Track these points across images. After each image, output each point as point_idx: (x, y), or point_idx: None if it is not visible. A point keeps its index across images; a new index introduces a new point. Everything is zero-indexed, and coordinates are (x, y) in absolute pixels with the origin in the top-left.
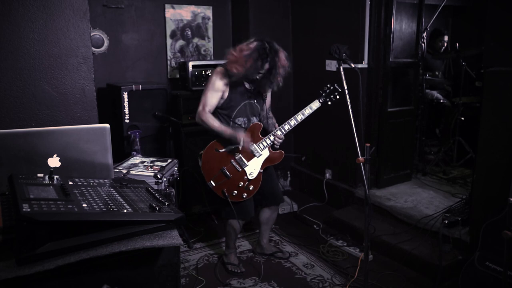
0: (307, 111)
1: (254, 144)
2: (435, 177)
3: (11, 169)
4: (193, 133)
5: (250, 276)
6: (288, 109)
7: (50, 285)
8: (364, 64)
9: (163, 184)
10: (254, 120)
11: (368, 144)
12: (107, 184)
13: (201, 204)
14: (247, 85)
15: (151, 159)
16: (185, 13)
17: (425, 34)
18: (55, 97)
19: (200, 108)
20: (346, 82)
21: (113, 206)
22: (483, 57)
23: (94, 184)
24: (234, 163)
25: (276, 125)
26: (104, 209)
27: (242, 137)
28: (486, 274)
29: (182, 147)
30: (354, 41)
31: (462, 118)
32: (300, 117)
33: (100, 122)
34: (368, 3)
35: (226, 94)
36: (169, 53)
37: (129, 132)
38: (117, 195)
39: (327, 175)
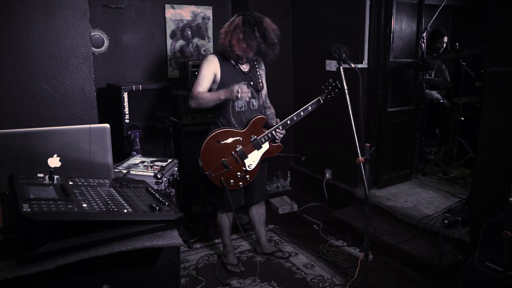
0: (310, 107)
1: (256, 138)
2: (435, 177)
3: (11, 169)
4: (193, 133)
5: (250, 276)
6: (288, 109)
7: (50, 285)
8: (364, 64)
9: (163, 184)
10: (254, 102)
11: (368, 144)
12: (107, 184)
13: (201, 204)
14: (242, 68)
15: (151, 159)
16: (185, 13)
17: (425, 34)
18: (55, 97)
19: (192, 90)
20: (346, 82)
21: (113, 206)
22: (483, 57)
23: (94, 184)
24: (235, 155)
25: (275, 117)
26: (104, 209)
27: (237, 87)
28: (486, 274)
29: (182, 147)
30: (354, 41)
31: (462, 118)
32: (302, 112)
33: (100, 122)
34: (368, 3)
35: (219, 75)
36: (169, 53)
37: (129, 132)
38: (117, 195)
39: (327, 175)
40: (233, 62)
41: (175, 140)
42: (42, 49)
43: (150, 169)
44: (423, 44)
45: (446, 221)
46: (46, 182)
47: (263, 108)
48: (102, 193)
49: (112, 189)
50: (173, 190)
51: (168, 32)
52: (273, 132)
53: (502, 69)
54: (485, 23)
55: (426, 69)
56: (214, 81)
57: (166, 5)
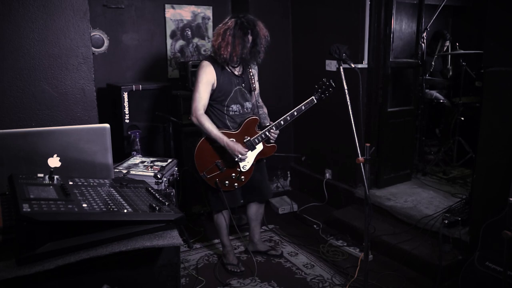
0: (303, 107)
1: (250, 139)
2: (435, 177)
3: (11, 169)
4: (193, 133)
5: (249, 276)
6: (288, 109)
7: (50, 285)
8: (364, 64)
9: (163, 184)
10: (248, 105)
11: (368, 144)
12: (107, 184)
13: (201, 204)
14: (234, 71)
15: (151, 159)
16: (185, 13)
17: (425, 34)
18: (55, 97)
19: (194, 106)
20: (346, 82)
21: (113, 206)
22: (483, 57)
23: (94, 184)
24: (229, 157)
25: (268, 117)
26: (104, 209)
27: (240, 151)
28: (486, 274)
29: (182, 147)
30: (354, 41)
31: (462, 118)
32: (296, 112)
33: (100, 122)
34: (368, 3)
35: (215, 84)
36: (169, 53)
37: (129, 132)
38: (117, 195)
39: (327, 175)
40: (225, 66)
41: (175, 140)
42: (42, 49)
43: (150, 169)
44: (423, 44)
45: (446, 221)
46: (46, 182)
47: (255, 107)
48: (102, 193)
49: (112, 189)
50: (173, 190)
51: (168, 32)
52: (267, 133)
53: (502, 69)
54: (485, 23)
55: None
56: (212, 88)
57: (166, 5)
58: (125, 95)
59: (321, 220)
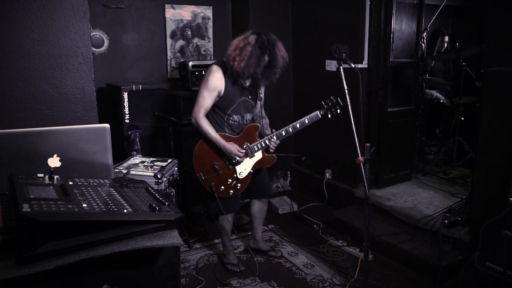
0: (307, 120)
1: (249, 145)
2: (435, 177)
3: (11, 169)
4: (193, 133)
5: (249, 276)
6: (288, 109)
7: (50, 285)
8: (364, 64)
9: (163, 184)
10: (248, 116)
11: (368, 144)
12: (107, 184)
13: (201, 204)
14: (244, 83)
15: (151, 159)
16: (185, 13)
17: (425, 34)
18: (55, 97)
19: (196, 109)
20: (346, 82)
21: (113, 206)
22: (483, 57)
23: (94, 184)
24: (226, 160)
25: (269, 127)
26: (104, 209)
27: (237, 153)
28: (486, 274)
29: (182, 147)
30: (354, 41)
31: (462, 118)
32: (298, 125)
33: (100, 122)
34: (368, 3)
35: (223, 92)
36: (169, 53)
37: (129, 132)
38: (117, 195)
39: (327, 175)
40: (231, 77)
41: (175, 140)
42: (42, 49)
43: (150, 169)
44: (423, 44)
45: (446, 221)
46: (46, 182)
47: (257, 117)
48: (102, 193)
49: (112, 189)
50: (173, 190)
51: (168, 32)
52: (267, 141)
53: (502, 69)
54: (485, 23)
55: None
56: (218, 95)
57: (166, 5)
58: (125, 95)
59: (321, 220)
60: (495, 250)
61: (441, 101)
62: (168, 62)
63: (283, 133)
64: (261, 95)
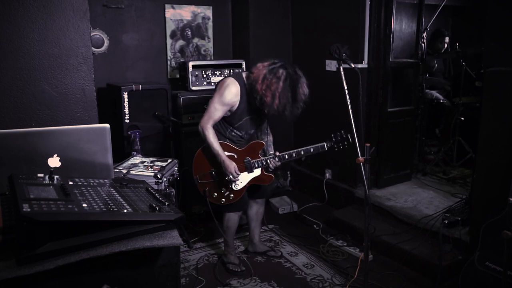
0: (312, 149)
1: (250, 160)
2: (435, 177)
3: (11, 169)
4: (193, 133)
5: (249, 276)
6: None
7: (50, 285)
8: (364, 64)
9: (163, 184)
10: (251, 132)
11: (368, 144)
12: (107, 184)
13: (201, 204)
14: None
15: (151, 159)
16: (185, 13)
17: (425, 34)
18: (55, 97)
19: (205, 119)
20: (346, 82)
21: (113, 206)
22: (483, 57)
23: (94, 184)
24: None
25: (272, 145)
26: (104, 209)
27: (233, 172)
28: (486, 274)
29: (182, 147)
30: (354, 41)
31: (462, 118)
32: (302, 152)
33: (100, 122)
34: (368, 3)
35: (235, 108)
36: (169, 53)
37: (129, 132)
38: (117, 195)
39: (327, 175)
40: (248, 95)
41: (175, 140)
42: (42, 49)
43: (150, 169)
44: (423, 44)
45: (446, 221)
46: (46, 182)
47: (262, 134)
48: (102, 193)
49: (112, 189)
50: (173, 190)
51: (168, 32)
52: (268, 160)
53: (502, 69)
54: (485, 23)
55: (426, 70)
56: (229, 110)
57: (166, 5)
58: (125, 95)
59: (321, 220)
60: (495, 250)
61: (441, 101)
62: (168, 62)
63: (286, 156)
64: (267, 113)
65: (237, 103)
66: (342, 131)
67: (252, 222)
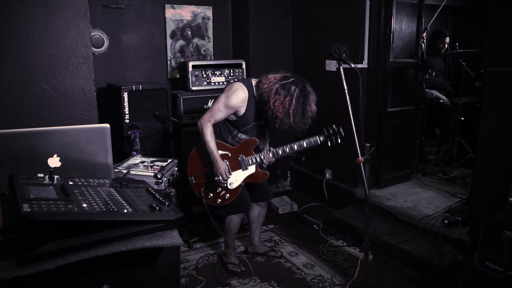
0: (305, 144)
1: (244, 158)
2: (435, 177)
3: (11, 169)
4: (193, 133)
5: (249, 276)
6: None
7: (50, 285)
8: (364, 64)
9: (163, 184)
10: (251, 135)
11: (368, 144)
12: (107, 184)
13: (201, 204)
14: (263, 110)
15: (151, 159)
16: (185, 13)
17: (425, 34)
18: (55, 97)
19: (207, 116)
20: (346, 82)
21: (113, 206)
22: (483, 57)
23: (94, 184)
24: None
25: (269, 146)
26: (104, 209)
27: (223, 173)
28: (486, 274)
29: (182, 147)
30: (354, 41)
31: (462, 118)
32: (296, 146)
33: (100, 122)
34: (368, 3)
35: (240, 113)
36: (169, 53)
37: (129, 132)
38: (117, 195)
39: (327, 175)
40: (256, 103)
41: (175, 140)
42: (42, 49)
43: (150, 169)
44: (423, 44)
45: (446, 221)
46: (46, 182)
47: (265, 138)
48: (102, 193)
49: (112, 189)
50: (173, 190)
51: (168, 32)
52: (262, 156)
53: (502, 69)
54: (485, 23)
55: (426, 70)
56: (234, 112)
57: (166, 5)
58: (125, 95)
59: (321, 220)
60: (495, 250)
61: (441, 101)
62: (168, 62)
63: (280, 151)
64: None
65: (243, 109)
66: (333, 125)
67: (253, 223)
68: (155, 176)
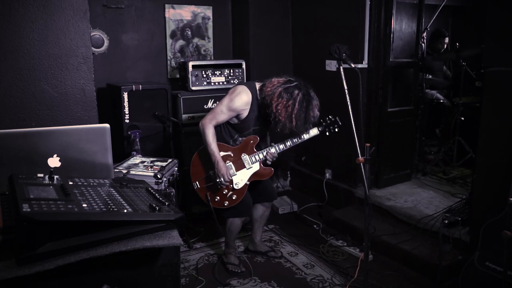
0: (305, 135)
1: (247, 156)
2: (435, 177)
3: (11, 169)
4: (193, 133)
5: (249, 276)
6: None
7: (50, 285)
8: (364, 64)
9: (163, 184)
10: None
11: (368, 144)
12: (107, 184)
13: (201, 204)
14: (266, 114)
15: (151, 159)
16: (185, 13)
17: (425, 34)
18: (55, 97)
19: (209, 117)
20: (346, 82)
21: (113, 206)
22: (483, 57)
23: (94, 184)
24: None
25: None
26: (104, 209)
27: (225, 174)
28: (486, 274)
29: (182, 147)
30: (354, 41)
31: (462, 118)
32: (296, 140)
33: (100, 122)
34: (368, 3)
35: (242, 117)
36: (169, 53)
37: (129, 132)
38: (117, 195)
39: (327, 175)
40: (258, 107)
41: (175, 140)
42: (42, 49)
43: (150, 169)
44: (423, 44)
45: (446, 221)
46: (46, 182)
47: (265, 140)
48: (102, 193)
49: (112, 189)
50: (173, 190)
51: (168, 32)
52: (264, 153)
53: (502, 69)
54: (485, 23)
55: (431, 71)
56: (236, 115)
57: (166, 5)
58: (125, 95)
59: (321, 220)
60: (495, 250)
61: (441, 101)
62: (168, 62)
63: (281, 146)
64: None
65: (246, 112)
66: (330, 115)
67: (255, 223)
68: (155, 176)
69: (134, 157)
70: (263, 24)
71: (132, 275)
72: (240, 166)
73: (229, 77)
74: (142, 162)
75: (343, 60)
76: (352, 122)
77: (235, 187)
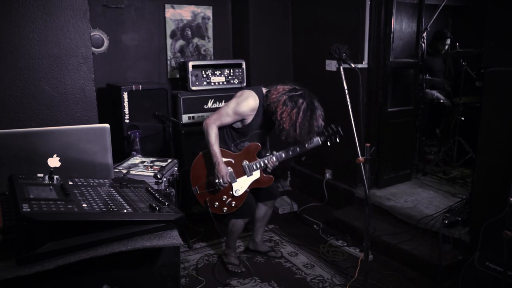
0: (307, 145)
1: (248, 163)
2: (435, 177)
3: (11, 169)
4: (193, 133)
5: (249, 276)
6: None
7: (50, 285)
8: (364, 64)
9: (163, 184)
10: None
11: (368, 144)
12: (107, 184)
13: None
14: (269, 118)
15: (151, 159)
16: (185, 13)
17: (425, 34)
18: (55, 97)
19: (214, 118)
20: (346, 82)
21: (113, 206)
22: (483, 57)
23: (94, 184)
24: None
25: (269, 151)
26: (104, 209)
27: (224, 176)
28: (486, 274)
29: (182, 147)
30: (354, 41)
31: (462, 118)
32: (298, 149)
33: (100, 122)
34: (368, 3)
35: (247, 121)
36: (169, 53)
37: (129, 132)
38: (117, 195)
39: (327, 175)
40: (263, 113)
41: (175, 140)
42: (42, 49)
43: (150, 169)
44: (423, 44)
45: (446, 221)
46: (46, 182)
47: (265, 145)
48: (102, 193)
49: (112, 189)
50: (173, 190)
51: (168, 32)
52: (266, 161)
53: (502, 69)
54: (485, 23)
55: (432, 72)
56: (241, 120)
57: (166, 5)
58: (125, 95)
59: (321, 220)
60: (495, 250)
61: (441, 101)
62: (168, 62)
63: (283, 155)
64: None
65: (251, 118)
66: (332, 125)
67: (257, 222)
68: (155, 176)
69: (134, 157)
70: (263, 24)
71: (132, 275)
72: (240, 173)
73: (229, 77)
74: (142, 162)
75: (343, 60)
76: (352, 122)
77: (235, 194)
